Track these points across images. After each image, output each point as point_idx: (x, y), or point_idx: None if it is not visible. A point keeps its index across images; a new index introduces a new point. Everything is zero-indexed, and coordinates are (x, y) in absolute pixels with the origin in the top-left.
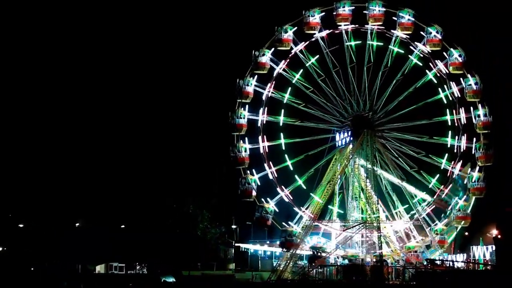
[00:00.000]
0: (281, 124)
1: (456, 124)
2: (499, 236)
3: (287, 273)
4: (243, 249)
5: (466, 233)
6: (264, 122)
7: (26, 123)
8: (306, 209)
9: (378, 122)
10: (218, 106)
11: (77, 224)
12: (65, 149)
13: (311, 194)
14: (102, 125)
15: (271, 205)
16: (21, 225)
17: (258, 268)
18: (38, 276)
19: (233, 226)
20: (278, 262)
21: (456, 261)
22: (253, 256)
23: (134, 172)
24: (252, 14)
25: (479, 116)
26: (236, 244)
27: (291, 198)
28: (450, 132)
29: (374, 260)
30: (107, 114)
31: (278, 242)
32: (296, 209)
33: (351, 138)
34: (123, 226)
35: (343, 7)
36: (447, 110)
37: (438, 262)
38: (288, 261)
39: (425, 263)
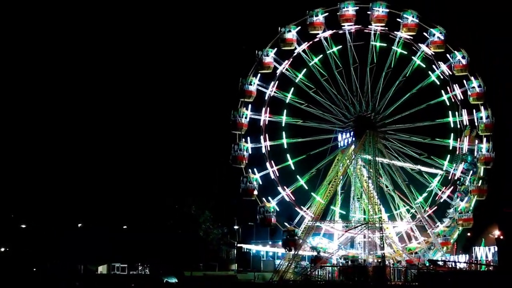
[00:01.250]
0: (283, 124)
1: (458, 126)
2: (501, 237)
3: (289, 274)
4: (245, 250)
5: (468, 234)
6: (267, 122)
7: (27, 125)
8: (308, 209)
9: (381, 123)
10: (219, 107)
11: (79, 225)
12: (66, 151)
13: (312, 194)
14: (104, 126)
15: (272, 204)
16: (23, 226)
17: (260, 269)
18: (40, 276)
19: (235, 227)
20: (280, 263)
21: (458, 262)
22: (255, 256)
23: (136, 173)
24: (256, 14)
25: (481, 118)
26: (238, 245)
27: (293, 198)
28: (452, 134)
29: (376, 260)
30: (108, 116)
31: (280, 243)
32: (297, 209)
33: (354, 139)
34: (125, 227)
35: (347, 7)
36: (450, 112)
37: (440, 263)
38: (290, 262)
39: (427, 264)
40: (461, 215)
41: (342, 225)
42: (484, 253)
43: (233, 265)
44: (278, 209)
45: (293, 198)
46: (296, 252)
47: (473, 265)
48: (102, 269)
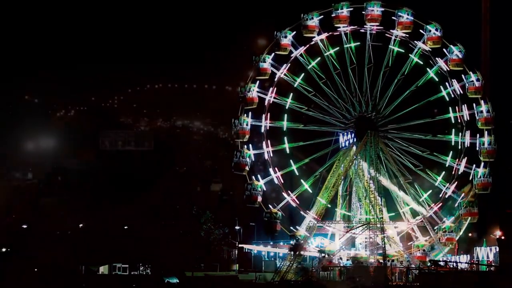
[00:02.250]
0: (287, 107)
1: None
2: (502, 237)
3: (291, 274)
4: (246, 250)
5: (470, 234)
6: (271, 102)
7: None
8: (295, 195)
9: (382, 123)
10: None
11: (80, 225)
12: (67, 150)
13: (302, 181)
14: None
15: (260, 183)
16: (24, 226)
17: (261, 269)
18: (41, 277)
19: (237, 227)
20: (282, 263)
21: (459, 262)
22: (256, 257)
23: (137, 174)
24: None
25: (483, 144)
26: (240, 245)
27: (282, 181)
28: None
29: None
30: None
31: (284, 244)
32: (284, 194)
33: (355, 140)
34: (126, 227)
35: (373, 7)
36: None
37: (442, 263)
38: (292, 262)
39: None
40: (445, 234)
41: (343, 225)
42: (486, 253)
43: (235, 266)
44: (265, 189)
45: (282, 182)
46: (298, 253)
47: (474, 265)
48: (103, 269)
